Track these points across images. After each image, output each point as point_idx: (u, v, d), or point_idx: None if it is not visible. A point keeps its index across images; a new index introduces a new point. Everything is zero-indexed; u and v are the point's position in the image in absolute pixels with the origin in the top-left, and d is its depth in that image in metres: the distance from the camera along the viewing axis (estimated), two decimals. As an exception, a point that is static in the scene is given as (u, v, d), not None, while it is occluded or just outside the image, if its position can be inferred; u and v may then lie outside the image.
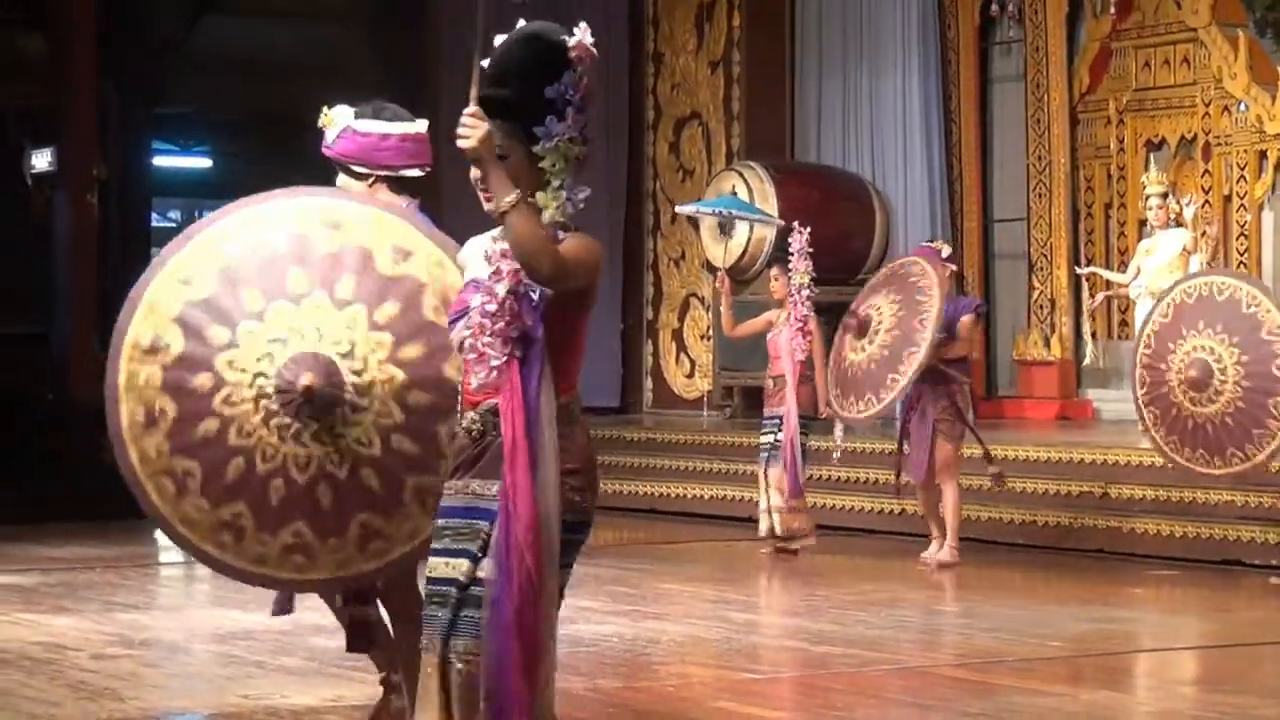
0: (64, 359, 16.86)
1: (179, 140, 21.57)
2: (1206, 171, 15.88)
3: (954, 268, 12.32)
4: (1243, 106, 15.58)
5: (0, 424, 15.40)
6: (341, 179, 6.33)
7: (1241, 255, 15.53)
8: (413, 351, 5.70)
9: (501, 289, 4.49)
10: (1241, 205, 15.62)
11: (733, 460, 14.80)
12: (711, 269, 17.53)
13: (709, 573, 11.96)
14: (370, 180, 6.29)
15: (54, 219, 17.80)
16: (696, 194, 17.80)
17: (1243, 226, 15.58)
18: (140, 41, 18.66)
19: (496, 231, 4.64)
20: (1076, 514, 12.55)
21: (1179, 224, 13.80)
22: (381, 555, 5.77)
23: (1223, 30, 15.73)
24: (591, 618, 9.36)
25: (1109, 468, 12.69)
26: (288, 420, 5.63)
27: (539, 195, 4.50)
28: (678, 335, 19.11)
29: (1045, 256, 16.97)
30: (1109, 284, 14.84)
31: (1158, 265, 13.61)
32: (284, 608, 6.48)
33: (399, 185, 6.31)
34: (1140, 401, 11.18)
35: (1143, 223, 15.19)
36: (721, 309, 13.00)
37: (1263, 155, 15.51)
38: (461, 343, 4.67)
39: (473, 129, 4.41)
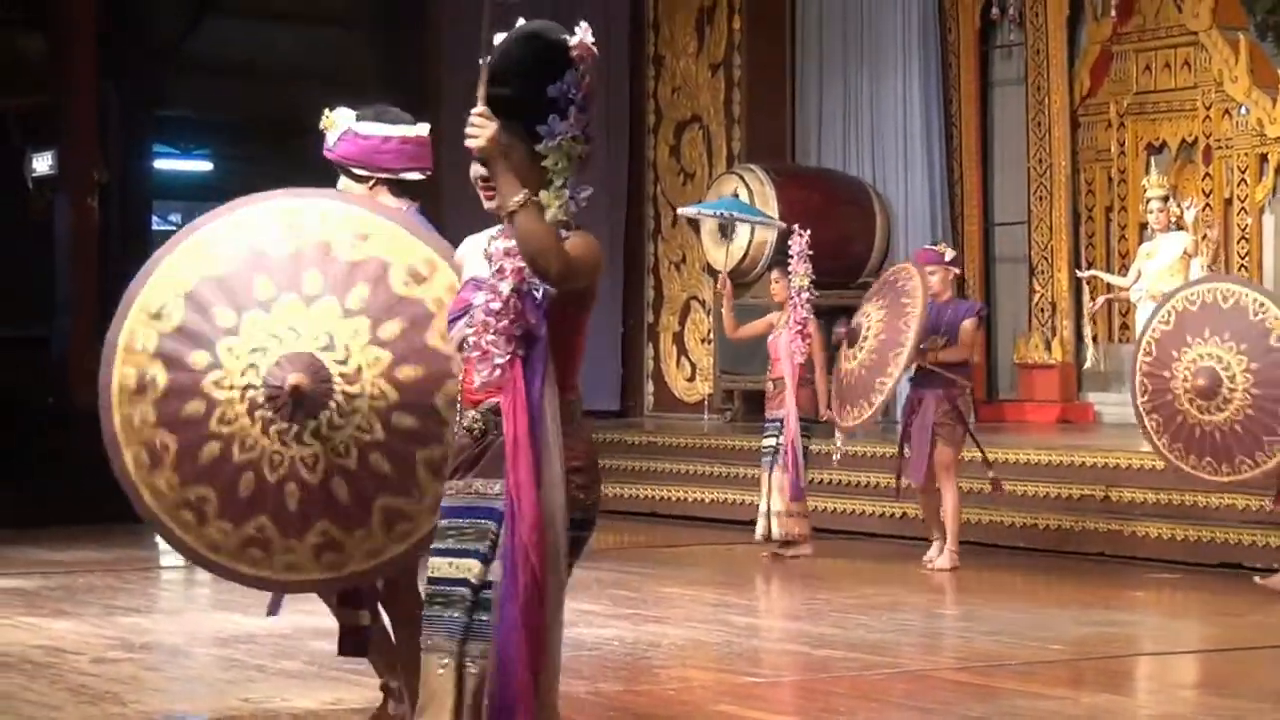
0: (64, 362, 16.85)
1: (179, 143, 21.57)
2: (1207, 175, 15.88)
3: (957, 271, 12.32)
4: (1243, 110, 15.58)
5: (0, 426, 15.40)
6: (343, 181, 6.34)
7: (1242, 258, 15.53)
8: (392, 330, 5.69)
9: (505, 287, 4.48)
10: (1242, 208, 15.62)
11: (734, 464, 14.80)
12: (712, 272, 17.54)
13: (710, 576, 11.95)
14: (371, 183, 6.30)
15: (54, 222, 17.81)
16: (697, 197, 17.80)
17: (1243, 230, 15.58)
18: (140, 43, 18.65)
19: (494, 230, 4.64)
20: (1077, 517, 12.54)
21: (1180, 227, 13.80)
22: (407, 537, 5.77)
23: (1223, 33, 15.73)
24: (593, 621, 9.35)
25: (1110, 471, 12.69)
26: (284, 423, 5.63)
27: (542, 194, 4.50)
28: (678, 339, 19.11)
29: (1046, 260, 16.97)
30: (1110, 287, 14.84)
31: (1158, 268, 13.61)
32: (274, 608, 6.47)
33: (400, 188, 6.32)
34: (1142, 409, 11.13)
35: (1143, 226, 15.20)
36: (723, 311, 13.00)
37: (1263, 158, 15.51)
38: (463, 341, 4.66)
39: (481, 128, 4.40)
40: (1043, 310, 16.96)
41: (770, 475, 12.29)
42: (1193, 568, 11.66)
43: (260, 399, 5.64)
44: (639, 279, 19.35)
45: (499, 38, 4.55)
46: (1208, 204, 15.63)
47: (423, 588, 4.70)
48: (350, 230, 5.83)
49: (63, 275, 17.60)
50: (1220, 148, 15.79)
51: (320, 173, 6.40)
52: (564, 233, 4.50)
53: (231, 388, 5.67)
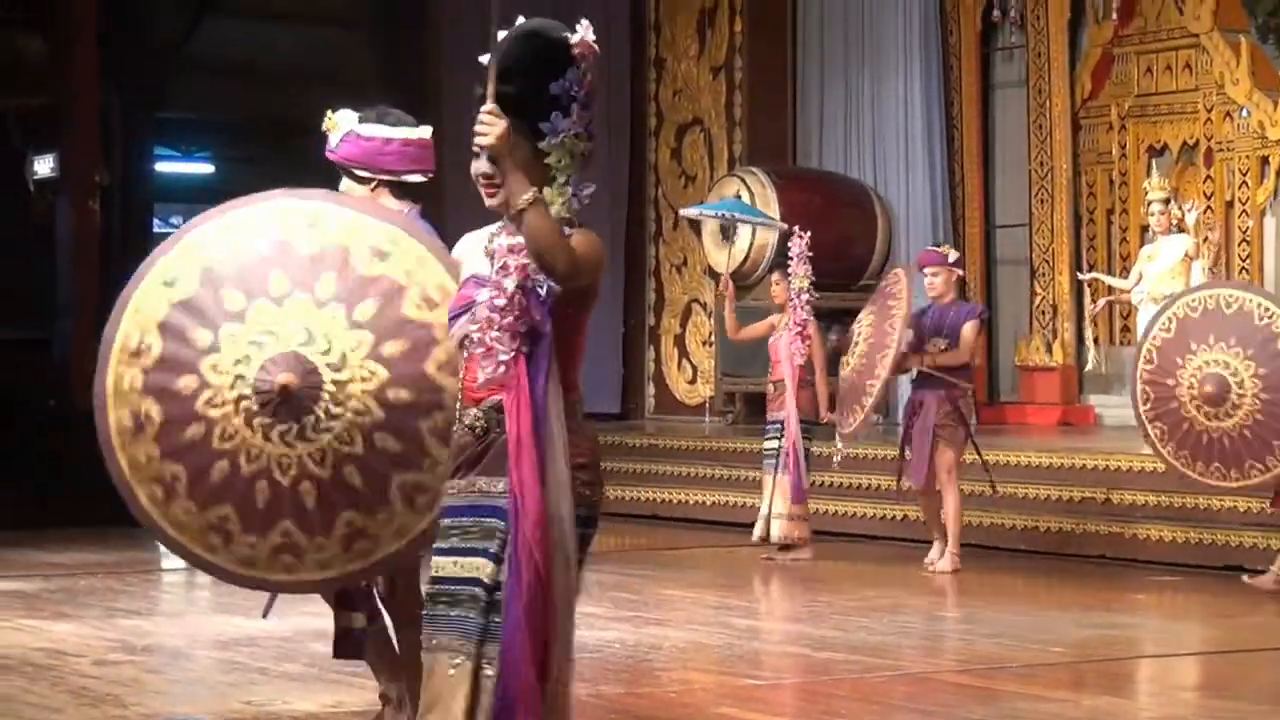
0: (65, 364, 16.86)
1: (181, 145, 21.57)
2: (1208, 177, 15.88)
3: (960, 272, 12.31)
4: (1245, 112, 15.58)
5: (1, 428, 15.40)
6: (345, 183, 6.34)
7: (1243, 261, 15.53)
8: (393, 349, 5.68)
9: (510, 284, 4.47)
10: (1244, 211, 15.62)
11: (735, 466, 14.79)
12: (713, 275, 17.54)
13: (711, 578, 11.95)
14: (373, 185, 6.30)
15: (56, 224, 17.82)
16: (699, 200, 17.78)
17: (1244, 232, 15.58)
18: (141, 45, 18.65)
19: (494, 227, 4.64)
20: (1078, 519, 12.54)
21: (1181, 230, 13.80)
22: (367, 555, 5.76)
23: (1225, 36, 15.73)
24: (594, 624, 9.34)
25: (1111, 473, 12.68)
26: (268, 420, 5.61)
27: (545, 191, 4.50)
28: (679, 341, 19.11)
29: (1047, 262, 16.97)
30: (1111, 290, 14.84)
31: (1160, 271, 13.61)
32: (266, 610, 6.47)
33: (402, 190, 6.32)
34: (1145, 417, 11.10)
35: (1145, 228, 15.20)
36: (725, 312, 13.01)
37: (1265, 161, 15.51)
38: (464, 339, 4.66)
39: (491, 125, 4.40)
40: (1044, 313, 16.95)
41: (774, 478, 12.28)
42: (1194, 570, 11.66)
43: (248, 391, 5.63)
44: (640, 281, 19.35)
45: (499, 35, 4.55)
46: (1209, 206, 15.62)
47: (424, 588, 4.69)
48: (369, 243, 5.79)
49: (64, 277, 17.62)
50: (1221, 150, 15.79)
51: (322, 173, 6.40)
52: (566, 230, 4.50)
53: (224, 374, 5.66)
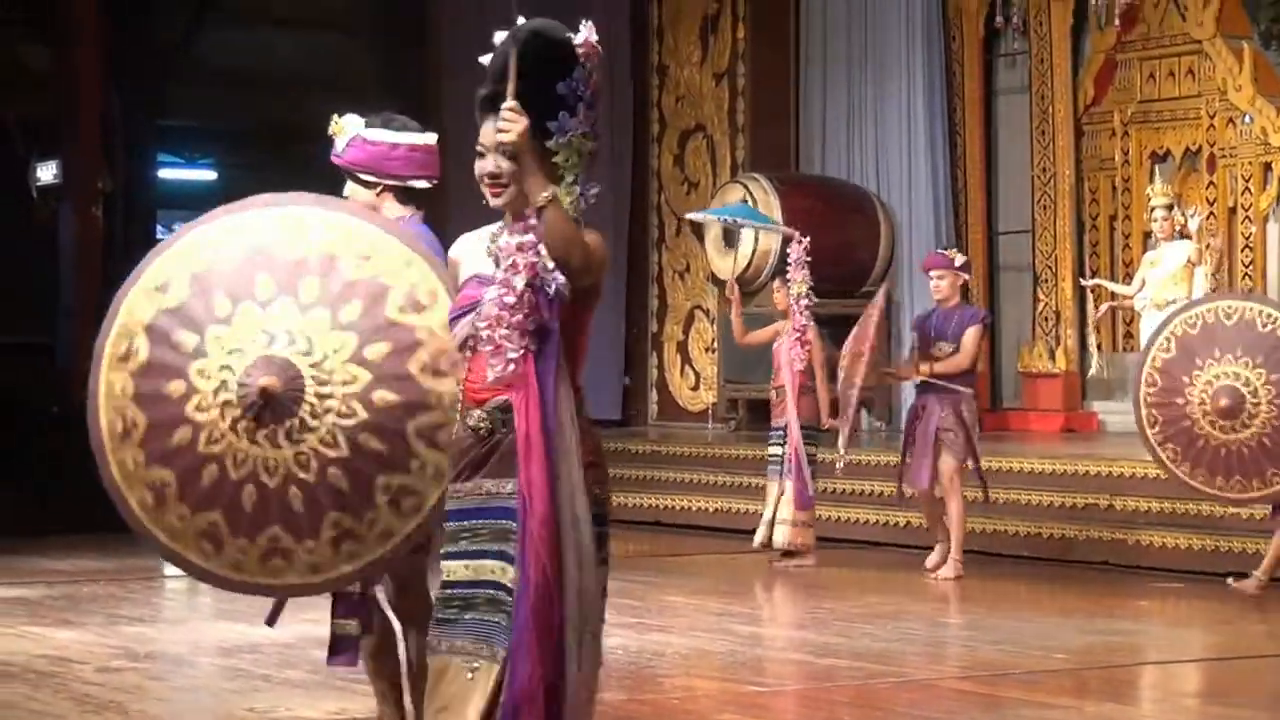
0: (68, 370, 16.85)
1: (183, 152, 21.58)
2: (1211, 183, 15.87)
3: (966, 276, 12.30)
4: (1247, 119, 15.58)
5: (3, 433, 15.40)
6: (350, 187, 6.34)
7: (1246, 267, 15.53)
8: (377, 351, 5.67)
9: (520, 281, 4.46)
10: (1246, 217, 15.62)
11: (737, 473, 14.78)
12: (716, 281, 17.53)
13: (714, 585, 11.93)
14: (378, 189, 6.30)
15: (59, 230, 17.82)
16: (702, 206, 17.76)
17: (1247, 238, 15.58)
18: (143, 51, 18.66)
19: (494, 227, 4.64)
20: (1081, 526, 12.53)
21: (1184, 236, 13.78)
22: (355, 557, 5.75)
23: (1227, 42, 15.74)
24: (596, 630, 9.33)
25: (1114, 480, 12.67)
26: (252, 424, 5.61)
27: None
28: (682, 348, 19.10)
29: (1050, 268, 16.97)
30: (1114, 296, 14.83)
31: (1162, 277, 13.59)
32: (273, 617, 6.45)
33: (406, 195, 6.32)
34: (1154, 440, 11.07)
35: (1147, 235, 15.18)
36: (732, 317, 13.01)
37: (1268, 167, 15.51)
38: (465, 340, 4.64)
39: (513, 122, 4.40)
40: (1047, 319, 16.95)
41: (779, 483, 12.27)
42: (1197, 576, 11.65)
43: (232, 395, 5.63)
44: (643, 287, 19.34)
45: (499, 36, 4.55)
46: (1211, 213, 15.62)
47: (435, 592, 4.67)
48: (355, 248, 5.79)
49: (67, 283, 17.62)
50: (1224, 156, 15.78)
51: (325, 179, 6.39)
52: (576, 228, 4.51)
53: (209, 378, 5.66)
